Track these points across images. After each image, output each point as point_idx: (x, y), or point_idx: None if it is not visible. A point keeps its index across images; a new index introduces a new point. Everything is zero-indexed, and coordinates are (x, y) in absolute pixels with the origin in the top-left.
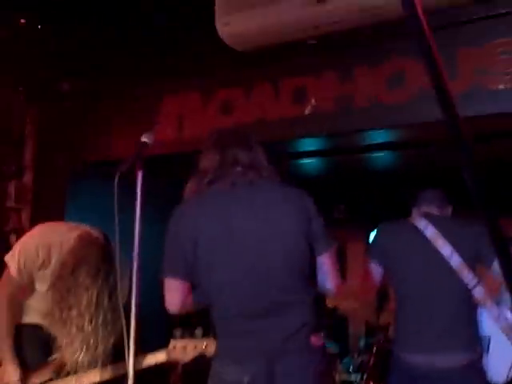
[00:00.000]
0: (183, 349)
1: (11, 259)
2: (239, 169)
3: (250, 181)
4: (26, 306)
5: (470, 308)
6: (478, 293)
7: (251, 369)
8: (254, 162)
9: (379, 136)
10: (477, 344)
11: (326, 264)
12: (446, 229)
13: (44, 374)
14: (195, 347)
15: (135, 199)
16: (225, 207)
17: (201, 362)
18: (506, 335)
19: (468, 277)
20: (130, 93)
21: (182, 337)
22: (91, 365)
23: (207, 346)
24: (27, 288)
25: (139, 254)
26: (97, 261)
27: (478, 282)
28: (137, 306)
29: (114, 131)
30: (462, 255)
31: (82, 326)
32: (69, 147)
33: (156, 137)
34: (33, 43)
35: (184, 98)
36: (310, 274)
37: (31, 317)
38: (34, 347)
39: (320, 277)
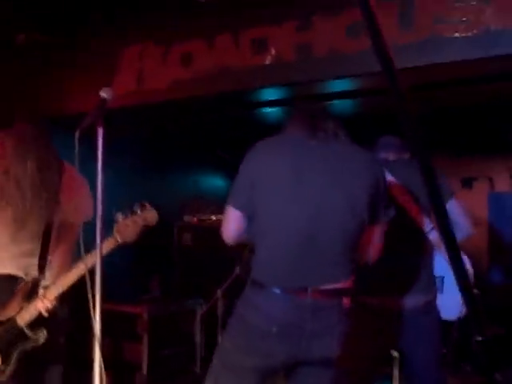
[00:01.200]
0: (126, 227)
1: None
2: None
3: (329, 139)
4: None
5: (427, 251)
6: (433, 236)
7: (281, 319)
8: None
9: (339, 85)
10: (433, 285)
11: (374, 234)
12: (403, 175)
13: (14, 307)
14: (135, 222)
15: (96, 155)
16: (299, 154)
17: (165, 312)
18: None
19: (425, 221)
20: (89, 45)
21: (124, 218)
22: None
23: (147, 217)
24: None
25: (103, 208)
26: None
27: (433, 227)
28: (101, 257)
29: (73, 84)
30: (419, 200)
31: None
32: (26, 101)
33: (116, 89)
34: None
35: (144, 49)
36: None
37: None
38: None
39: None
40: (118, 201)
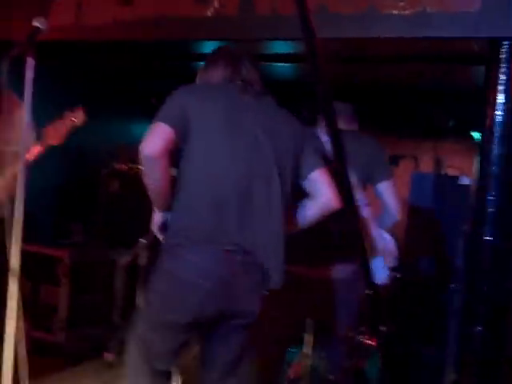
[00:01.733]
0: (54, 130)
1: None
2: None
3: (256, 92)
4: None
5: None
6: (366, 213)
7: (212, 274)
8: (255, 78)
9: (279, 46)
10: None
11: (320, 178)
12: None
13: None
14: (63, 123)
15: (24, 85)
16: (233, 102)
17: (87, 258)
18: (382, 254)
19: (359, 196)
20: None
21: (53, 122)
22: None
23: (74, 117)
24: None
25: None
26: None
27: (367, 203)
28: (26, 195)
29: (7, 12)
30: (355, 172)
31: None
32: None
33: (52, 22)
34: None
35: None
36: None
37: None
38: None
39: (314, 191)
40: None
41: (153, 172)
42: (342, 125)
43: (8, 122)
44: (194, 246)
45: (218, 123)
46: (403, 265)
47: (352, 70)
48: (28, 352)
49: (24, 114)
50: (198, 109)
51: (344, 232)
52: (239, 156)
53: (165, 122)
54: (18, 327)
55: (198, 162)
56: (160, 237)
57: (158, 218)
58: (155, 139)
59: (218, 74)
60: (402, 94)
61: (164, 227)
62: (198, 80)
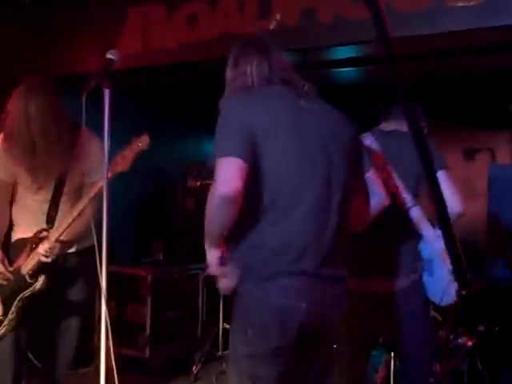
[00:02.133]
0: (122, 158)
1: None
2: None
3: (307, 94)
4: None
5: (411, 229)
6: (414, 214)
7: (308, 294)
8: (291, 71)
9: (344, 51)
10: (418, 265)
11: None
12: (396, 147)
13: (23, 257)
14: (131, 150)
15: (103, 117)
16: (295, 110)
17: (168, 275)
18: (441, 257)
19: (406, 198)
20: (94, 4)
21: (120, 150)
22: None
23: (141, 143)
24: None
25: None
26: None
27: (414, 204)
28: (108, 220)
29: (77, 44)
30: (401, 174)
31: None
32: (31, 61)
33: (121, 51)
34: None
35: (149, 9)
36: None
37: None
38: None
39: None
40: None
41: (229, 212)
42: (406, 128)
43: (82, 155)
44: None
45: (288, 139)
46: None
47: (422, 66)
48: (116, 368)
49: (96, 145)
50: (263, 128)
51: (401, 240)
52: (317, 170)
53: (237, 155)
54: (107, 345)
55: (274, 185)
56: (219, 273)
57: (214, 255)
58: (233, 178)
59: (253, 73)
60: (473, 86)
61: (223, 261)
62: (229, 76)
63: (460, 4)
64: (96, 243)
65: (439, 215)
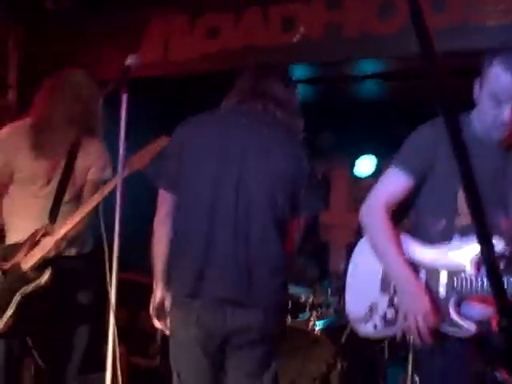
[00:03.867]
0: (140, 157)
1: None
2: (262, 102)
3: (263, 116)
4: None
5: None
6: None
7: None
8: (284, 99)
9: (368, 66)
10: None
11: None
12: None
13: (21, 254)
14: (148, 150)
15: (119, 121)
16: (228, 128)
17: None
18: None
19: None
20: (118, 13)
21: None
22: None
23: (160, 144)
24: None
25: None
26: None
27: None
28: (121, 224)
29: (100, 53)
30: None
31: None
32: (54, 68)
33: (142, 59)
34: None
35: (171, 20)
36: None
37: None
38: None
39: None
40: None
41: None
42: None
43: (86, 153)
44: None
45: (209, 155)
46: None
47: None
48: (126, 376)
49: (99, 144)
50: (191, 145)
51: None
52: (227, 184)
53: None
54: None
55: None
56: None
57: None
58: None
59: (237, 90)
60: None
61: None
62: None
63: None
64: (106, 247)
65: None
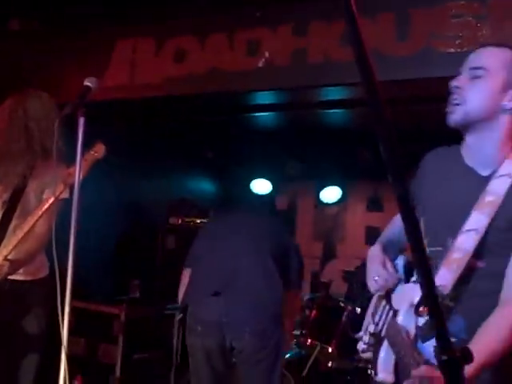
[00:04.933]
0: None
1: None
2: None
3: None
4: None
5: None
6: None
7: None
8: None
9: (333, 93)
10: None
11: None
12: None
13: None
14: (85, 160)
15: (76, 144)
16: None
17: (143, 314)
18: None
19: None
20: (83, 34)
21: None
22: None
23: (96, 151)
24: None
25: (79, 201)
26: None
27: None
28: (74, 256)
29: (64, 73)
30: None
31: None
32: (17, 87)
33: (107, 82)
34: None
35: (137, 43)
36: None
37: None
38: None
39: None
40: (102, 198)
41: None
42: None
43: (40, 173)
44: None
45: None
46: None
47: (416, 111)
48: None
49: (52, 164)
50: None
51: None
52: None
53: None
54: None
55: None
56: None
57: None
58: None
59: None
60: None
61: None
62: None
63: (451, 50)
64: (57, 270)
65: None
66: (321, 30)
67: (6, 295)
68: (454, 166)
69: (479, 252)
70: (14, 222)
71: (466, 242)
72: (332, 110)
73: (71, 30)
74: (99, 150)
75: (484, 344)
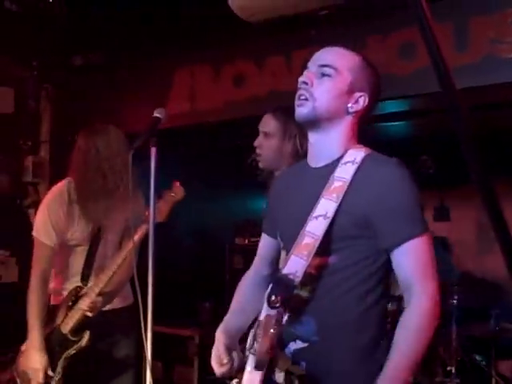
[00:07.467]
0: (158, 210)
1: (39, 225)
2: None
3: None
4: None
5: None
6: None
7: None
8: None
9: (391, 106)
10: None
11: None
12: None
13: (59, 317)
14: (165, 201)
15: (149, 174)
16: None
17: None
18: None
19: None
20: (143, 65)
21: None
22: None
23: (175, 193)
24: (62, 250)
25: (154, 238)
26: None
27: None
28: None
29: (127, 104)
30: None
31: None
32: (83, 121)
33: (169, 110)
34: (44, 17)
35: (196, 70)
36: None
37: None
38: None
39: None
40: (173, 223)
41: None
42: None
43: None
44: None
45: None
46: None
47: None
48: None
49: (138, 195)
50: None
51: None
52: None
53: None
54: None
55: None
56: None
57: None
58: None
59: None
60: None
61: None
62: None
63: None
64: (139, 295)
65: None
66: (377, 45)
67: (101, 326)
68: (301, 176)
69: (330, 240)
70: (97, 261)
71: (315, 227)
72: (389, 123)
73: (131, 61)
74: (178, 192)
75: (398, 361)
